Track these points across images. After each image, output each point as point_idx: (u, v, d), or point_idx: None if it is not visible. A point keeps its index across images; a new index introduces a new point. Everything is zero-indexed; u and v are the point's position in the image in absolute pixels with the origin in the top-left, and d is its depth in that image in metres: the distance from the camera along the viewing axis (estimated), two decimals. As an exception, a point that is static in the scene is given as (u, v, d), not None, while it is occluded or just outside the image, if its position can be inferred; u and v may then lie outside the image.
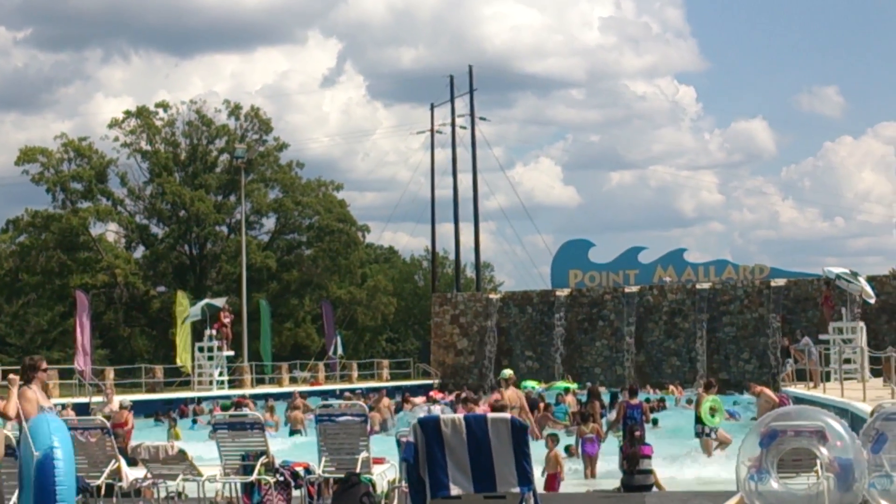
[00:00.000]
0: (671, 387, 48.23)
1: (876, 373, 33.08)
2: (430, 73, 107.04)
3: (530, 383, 51.41)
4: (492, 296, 62.14)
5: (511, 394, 19.34)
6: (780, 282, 55.75)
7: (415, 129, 75.75)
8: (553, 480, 18.97)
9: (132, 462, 15.03)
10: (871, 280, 43.70)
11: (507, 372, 21.13)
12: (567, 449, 22.97)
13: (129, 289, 68.06)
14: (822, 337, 37.85)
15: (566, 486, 19.47)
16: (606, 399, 32.30)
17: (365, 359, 63.91)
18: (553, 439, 20.11)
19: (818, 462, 12.13)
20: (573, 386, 46.79)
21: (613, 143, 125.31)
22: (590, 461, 22.92)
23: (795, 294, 54.75)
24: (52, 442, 9.57)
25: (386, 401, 35.60)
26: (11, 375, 9.83)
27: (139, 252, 71.91)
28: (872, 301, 40.91)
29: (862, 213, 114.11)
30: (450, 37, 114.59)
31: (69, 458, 9.70)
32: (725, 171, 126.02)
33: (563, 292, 59.17)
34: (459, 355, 59.67)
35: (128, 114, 70.19)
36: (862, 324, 38.97)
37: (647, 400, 33.36)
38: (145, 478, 14.28)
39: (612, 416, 24.46)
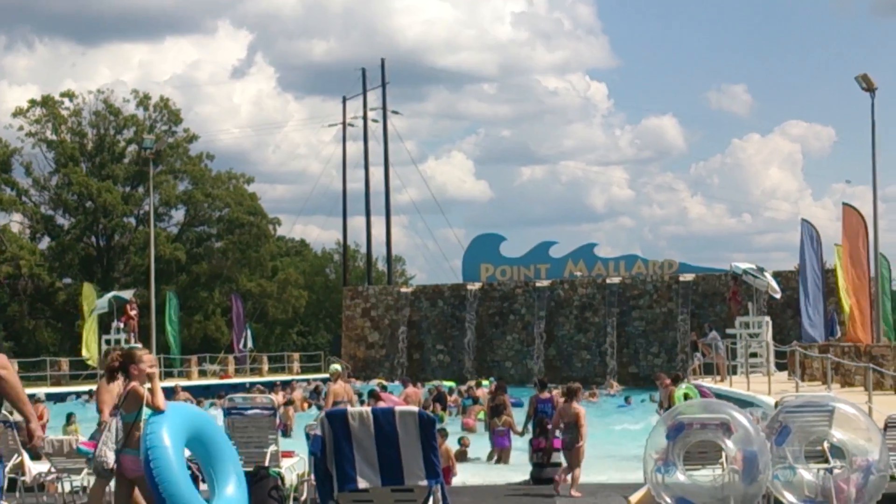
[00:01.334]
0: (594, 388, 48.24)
1: (781, 366, 33.62)
2: (341, 66, 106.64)
3: (447, 384, 51.53)
4: (403, 289, 62.13)
5: (339, 388, 19.29)
6: (689, 277, 56.42)
7: (326, 121, 75.39)
8: (446, 474, 18.99)
9: (35, 456, 14.77)
10: (776, 275, 44.35)
11: (335, 367, 21.14)
12: (460, 441, 23.07)
13: (34, 280, 66.96)
14: (728, 331, 38.37)
15: (477, 479, 19.53)
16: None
17: (276, 352, 63.53)
18: (441, 434, 20.10)
19: (723, 454, 12.29)
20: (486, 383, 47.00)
21: (525, 138, 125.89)
22: (502, 453, 23.05)
23: (703, 289, 55.46)
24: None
25: (298, 393, 35.49)
26: (151, 370, 9.61)
27: (44, 243, 70.83)
28: (778, 296, 41.56)
29: (768, 209, 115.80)
30: (361, 29, 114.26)
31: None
32: (635, 167, 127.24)
33: (474, 286, 59.32)
34: (371, 349, 59.57)
35: (33, 103, 69.09)
36: (768, 318, 39.55)
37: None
38: (49, 472, 14.05)
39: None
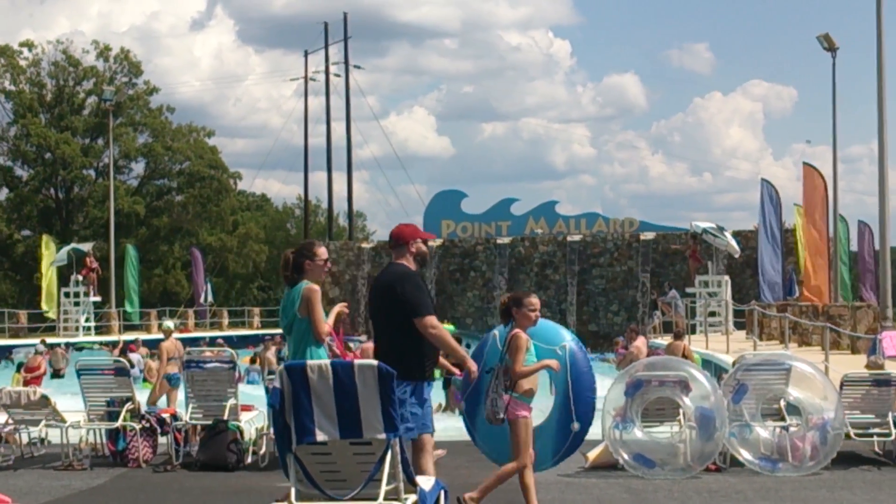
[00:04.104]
0: None
1: (739, 325, 33.87)
2: (302, 20, 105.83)
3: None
4: (364, 245, 62.03)
5: (170, 345, 19.57)
6: (649, 235, 56.62)
7: (287, 75, 75.32)
8: None
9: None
10: (736, 235, 44.62)
11: (168, 324, 21.37)
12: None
13: (-7, 232, 66.46)
14: (688, 290, 38.60)
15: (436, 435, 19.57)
16: None
17: (236, 306, 63.41)
18: None
19: (681, 411, 12.39)
20: (451, 328, 47.14)
21: (486, 95, 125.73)
22: (460, 408, 23.10)
23: (664, 248, 55.67)
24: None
25: (273, 349, 35.50)
26: (536, 314, 9.77)
27: (2, 194, 70.14)
28: (737, 255, 41.84)
29: (729, 169, 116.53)
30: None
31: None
32: (597, 124, 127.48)
33: (434, 242, 59.28)
34: (331, 304, 59.36)
35: (-10, 52, 68.24)
36: (727, 277, 39.83)
37: None
38: (7, 423, 14.00)
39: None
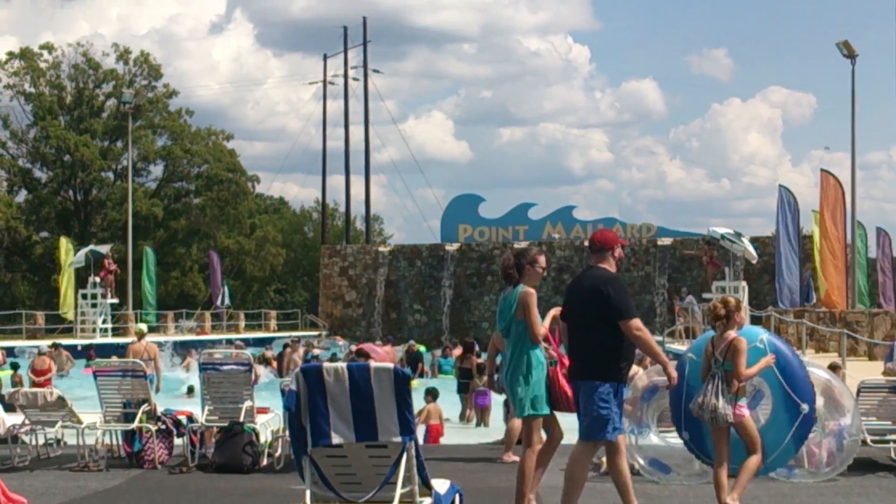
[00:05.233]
0: None
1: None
2: (321, 23, 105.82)
3: (419, 347, 51.47)
4: (381, 249, 62.03)
5: (137, 346, 19.76)
6: (667, 241, 56.48)
7: (306, 79, 75.38)
8: (435, 433, 19.31)
9: (9, 408, 14.77)
10: (754, 241, 44.50)
11: (140, 327, 21.65)
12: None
13: (11, 233, 66.69)
14: (705, 296, 38.50)
15: (454, 438, 19.61)
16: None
17: (253, 309, 63.51)
18: (432, 393, 20.47)
19: (697, 416, 12.35)
20: (423, 349, 46.85)
21: (505, 100, 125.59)
22: (481, 412, 23.13)
23: (681, 253, 55.53)
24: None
25: (301, 351, 35.58)
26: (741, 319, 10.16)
27: (21, 196, 70.45)
28: (755, 261, 41.73)
29: (747, 175, 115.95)
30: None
31: None
32: (615, 130, 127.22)
33: (452, 246, 59.24)
34: (348, 307, 59.57)
35: (11, 55, 68.55)
36: (744, 283, 39.72)
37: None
38: (23, 424, 14.04)
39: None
